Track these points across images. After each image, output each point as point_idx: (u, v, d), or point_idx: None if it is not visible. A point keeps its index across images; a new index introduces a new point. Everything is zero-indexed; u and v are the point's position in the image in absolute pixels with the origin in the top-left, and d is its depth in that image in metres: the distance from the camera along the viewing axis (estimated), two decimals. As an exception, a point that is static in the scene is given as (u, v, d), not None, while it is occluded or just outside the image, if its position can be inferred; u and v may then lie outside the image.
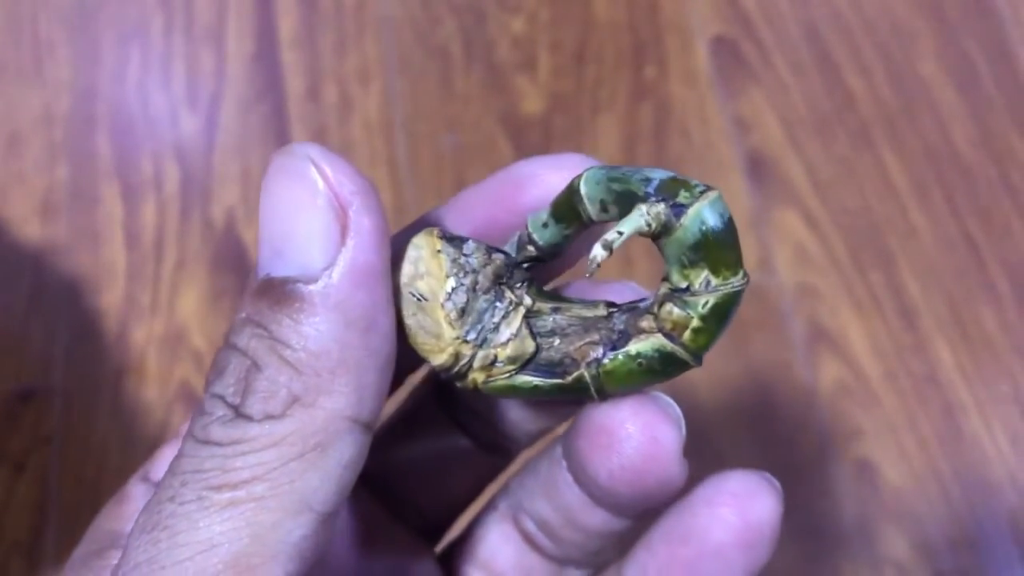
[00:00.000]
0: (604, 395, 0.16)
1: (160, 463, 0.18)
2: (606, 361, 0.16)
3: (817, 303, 0.50)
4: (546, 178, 0.16)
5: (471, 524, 0.20)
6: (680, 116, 0.55)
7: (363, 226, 0.14)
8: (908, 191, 0.53)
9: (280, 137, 0.55)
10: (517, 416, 0.18)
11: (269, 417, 0.14)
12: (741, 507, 0.16)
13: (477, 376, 0.16)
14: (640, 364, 0.16)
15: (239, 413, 0.14)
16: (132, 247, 0.53)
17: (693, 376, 0.49)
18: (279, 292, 0.14)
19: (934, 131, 0.55)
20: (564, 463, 0.18)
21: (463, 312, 0.16)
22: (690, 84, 0.56)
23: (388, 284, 0.15)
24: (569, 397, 0.16)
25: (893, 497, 0.46)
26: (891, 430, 0.48)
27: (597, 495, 0.17)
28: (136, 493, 0.18)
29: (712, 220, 0.16)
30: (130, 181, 0.54)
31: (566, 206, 0.16)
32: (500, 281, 0.16)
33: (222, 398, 0.14)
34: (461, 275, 0.16)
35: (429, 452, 0.19)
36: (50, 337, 0.51)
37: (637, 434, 0.16)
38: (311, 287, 0.14)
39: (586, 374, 0.16)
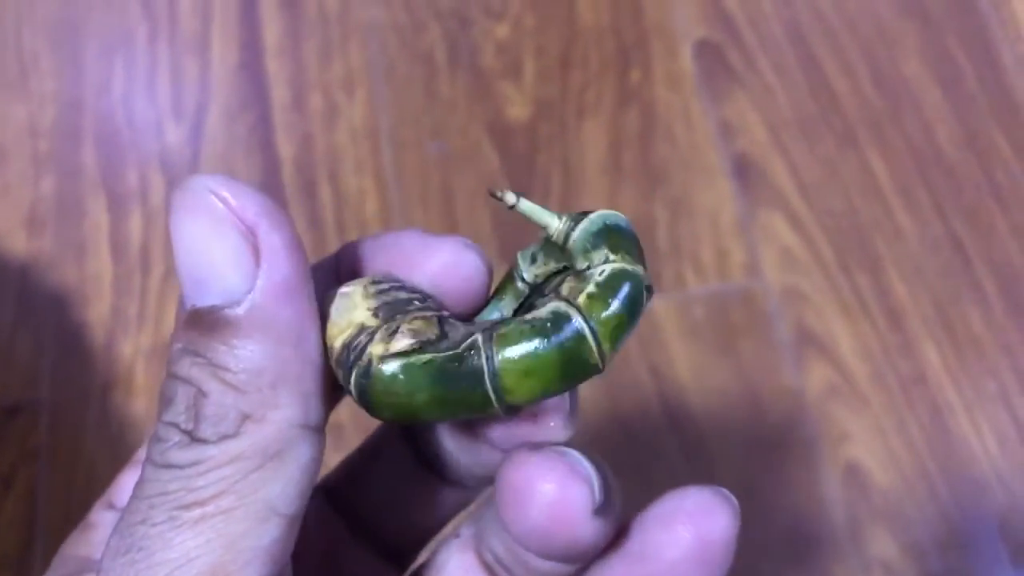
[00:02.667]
0: (505, 393, 0.15)
1: (121, 489, 0.19)
2: (501, 328, 0.16)
3: (804, 306, 0.50)
4: (428, 260, 0.16)
5: (435, 550, 0.20)
6: (665, 120, 0.55)
7: (274, 244, 0.15)
8: (893, 192, 0.53)
9: (266, 146, 0.55)
10: (451, 447, 0.18)
11: (224, 437, 0.14)
12: (696, 524, 0.16)
13: (375, 349, 0.16)
14: (533, 326, 0.15)
15: (194, 438, 0.15)
16: (118, 259, 0.53)
17: (681, 380, 0.49)
18: (207, 321, 0.15)
19: (919, 131, 0.55)
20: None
21: (379, 304, 0.16)
22: (675, 88, 0.56)
23: (310, 294, 0.15)
24: (465, 386, 0.15)
25: (882, 499, 0.46)
26: (879, 432, 0.48)
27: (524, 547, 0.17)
28: (102, 520, 0.19)
29: (615, 219, 0.17)
30: (116, 192, 0.54)
31: (555, 247, 0.17)
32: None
33: (175, 425, 0.15)
34: (387, 296, 0.16)
35: (393, 481, 0.19)
36: (37, 351, 0.50)
37: (544, 495, 0.15)
38: (236, 311, 0.15)
39: (479, 337, 0.15)
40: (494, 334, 0.15)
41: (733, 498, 0.16)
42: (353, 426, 0.46)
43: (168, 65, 0.58)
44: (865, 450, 0.47)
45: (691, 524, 0.16)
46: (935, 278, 0.51)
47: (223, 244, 0.15)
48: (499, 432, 0.17)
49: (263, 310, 0.15)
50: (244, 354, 0.15)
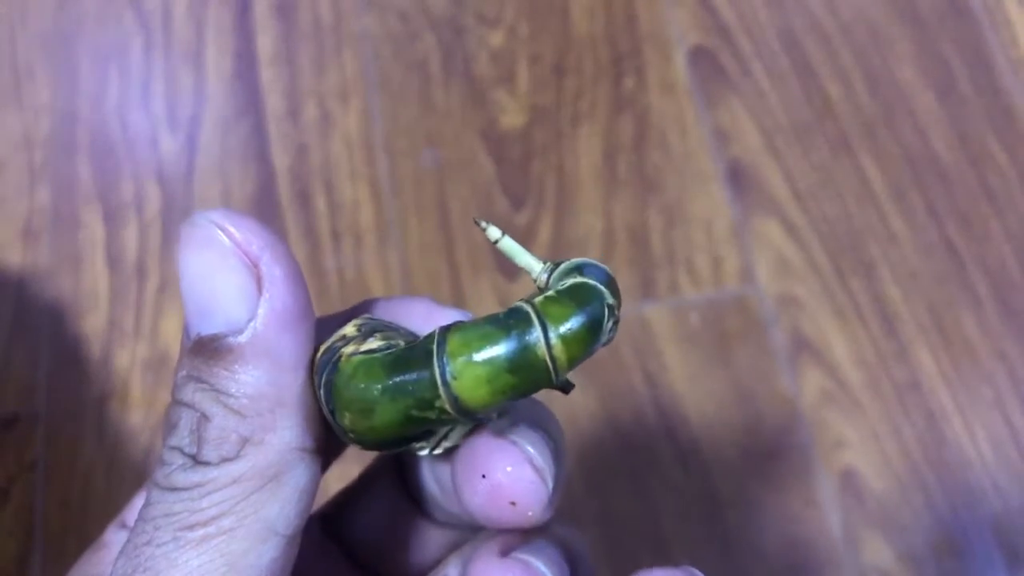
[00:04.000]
0: (452, 380, 0.15)
1: (134, 510, 0.19)
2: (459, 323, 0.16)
3: (799, 312, 0.50)
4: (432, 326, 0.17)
5: None
6: (660, 127, 0.55)
7: (276, 275, 0.16)
8: (887, 197, 0.53)
9: (260, 156, 0.55)
10: (436, 492, 0.19)
11: (225, 460, 0.15)
12: None
13: (346, 350, 0.16)
14: (487, 319, 0.15)
15: (197, 461, 0.15)
16: (114, 270, 0.53)
17: (676, 387, 0.49)
18: (211, 348, 0.15)
19: (912, 136, 0.55)
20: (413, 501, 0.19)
21: (365, 323, 0.17)
22: (669, 95, 0.56)
23: (310, 324, 0.16)
24: (417, 373, 0.15)
25: (877, 504, 0.46)
26: (874, 438, 0.48)
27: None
28: (114, 540, 0.19)
29: (594, 261, 0.17)
30: (111, 204, 0.54)
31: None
32: None
33: (179, 449, 0.15)
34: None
35: (385, 517, 0.20)
36: (33, 362, 0.50)
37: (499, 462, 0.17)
38: (239, 339, 0.15)
39: (436, 329, 0.16)
40: (451, 326, 0.16)
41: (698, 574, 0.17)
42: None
43: (163, 76, 0.58)
44: (860, 456, 0.47)
45: None
46: (929, 283, 0.51)
47: (227, 275, 0.15)
48: (477, 503, 0.17)
49: (264, 338, 0.15)
50: (245, 379, 0.15)
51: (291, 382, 0.16)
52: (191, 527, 0.15)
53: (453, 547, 0.20)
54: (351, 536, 0.20)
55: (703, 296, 0.51)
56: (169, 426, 0.16)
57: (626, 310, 0.51)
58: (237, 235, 0.16)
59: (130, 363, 0.50)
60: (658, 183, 0.54)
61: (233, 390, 0.15)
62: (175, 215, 0.54)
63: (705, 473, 0.47)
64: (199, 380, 0.15)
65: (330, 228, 0.53)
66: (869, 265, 0.51)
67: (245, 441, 0.15)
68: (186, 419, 0.15)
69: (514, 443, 0.16)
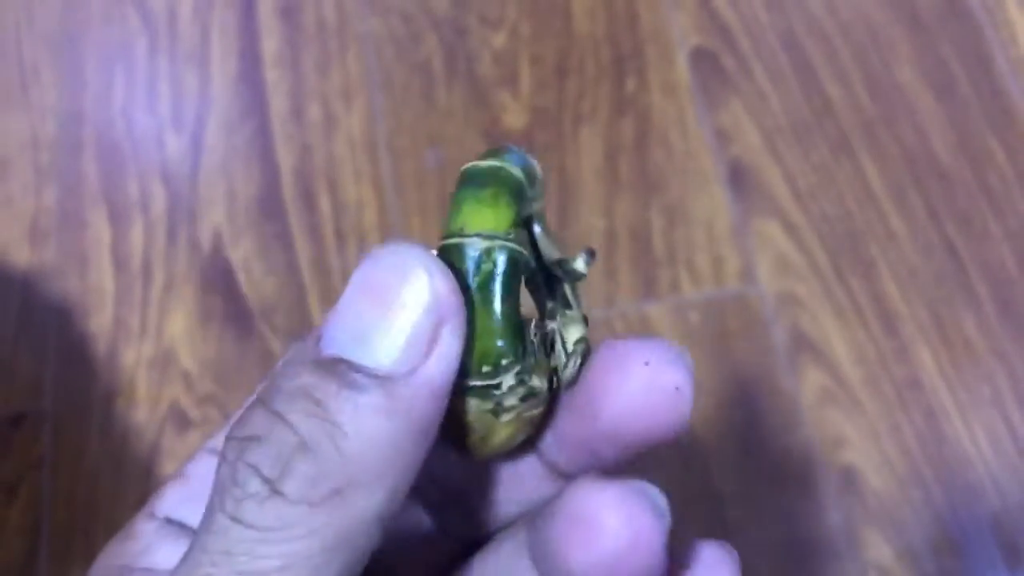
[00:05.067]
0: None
1: (164, 501, 0.18)
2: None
3: (799, 311, 0.51)
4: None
5: None
6: (661, 127, 0.56)
7: (451, 346, 0.14)
8: (887, 197, 0.53)
9: (265, 156, 0.56)
10: (491, 490, 0.18)
11: (306, 502, 0.14)
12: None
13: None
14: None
15: (274, 490, 0.14)
16: (120, 270, 0.53)
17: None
18: (351, 378, 0.14)
19: (912, 136, 0.55)
20: (527, 552, 0.17)
21: None
22: (671, 95, 0.57)
23: (443, 408, 0.15)
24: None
25: (877, 502, 0.47)
26: (874, 436, 0.48)
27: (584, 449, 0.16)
28: (143, 531, 0.18)
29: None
30: (117, 204, 0.55)
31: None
32: None
33: (257, 470, 0.14)
34: None
35: (394, 532, 0.19)
36: (40, 361, 0.51)
37: (618, 528, 0.15)
38: (389, 386, 0.14)
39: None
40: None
41: (735, 554, 0.16)
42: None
43: (168, 76, 0.58)
44: (860, 454, 0.48)
45: None
46: (929, 283, 0.51)
47: (409, 319, 0.14)
48: (632, 398, 0.15)
49: (412, 398, 0.14)
50: (371, 426, 0.14)
51: (408, 451, 0.14)
52: (249, 573, 0.14)
53: (456, 558, 0.19)
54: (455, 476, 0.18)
55: (704, 295, 0.51)
56: (250, 434, 0.14)
57: (628, 310, 0.51)
58: (441, 290, 0.14)
59: (136, 361, 0.51)
60: (659, 183, 0.54)
61: (352, 431, 0.14)
62: (180, 215, 0.54)
63: (705, 470, 0.47)
64: (317, 403, 0.14)
65: (334, 228, 0.54)
66: (869, 264, 0.52)
67: (336, 492, 0.14)
68: (280, 437, 0.14)
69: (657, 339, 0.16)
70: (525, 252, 0.15)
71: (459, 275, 0.15)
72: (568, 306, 0.17)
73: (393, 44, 0.59)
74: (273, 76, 0.58)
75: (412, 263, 0.14)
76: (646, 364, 0.15)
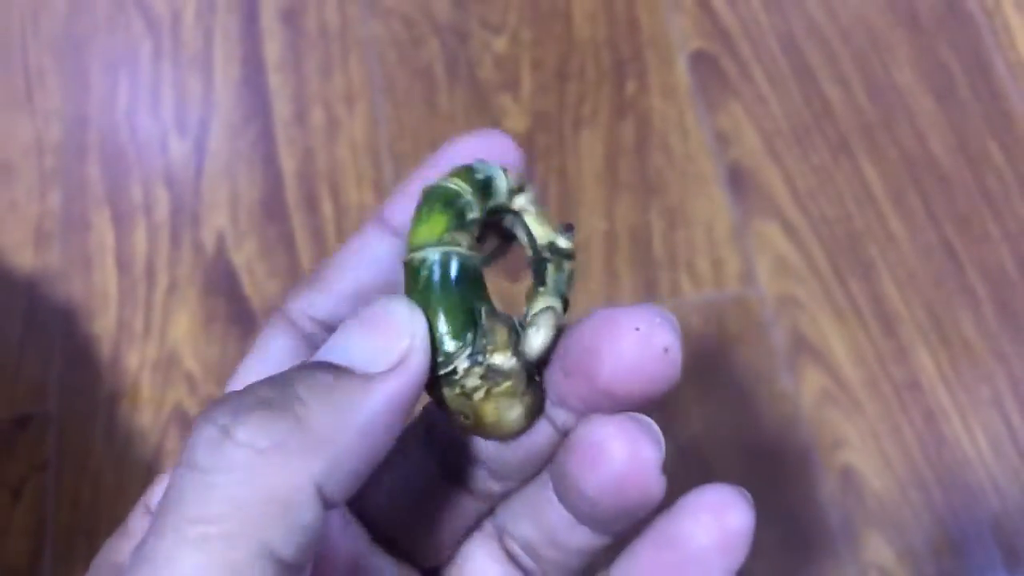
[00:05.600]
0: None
1: (158, 491, 0.19)
2: None
3: (798, 313, 0.51)
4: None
5: (458, 546, 0.20)
6: (661, 131, 0.56)
7: (416, 365, 0.17)
8: (887, 199, 0.54)
9: (268, 160, 0.56)
10: (483, 448, 0.19)
11: (249, 446, 0.15)
12: (720, 516, 0.18)
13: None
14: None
15: (227, 434, 0.15)
16: (124, 273, 0.53)
17: (678, 387, 0.49)
18: (328, 369, 0.16)
19: (911, 139, 0.55)
20: (550, 484, 0.19)
21: None
22: (670, 99, 0.57)
23: (406, 412, 0.17)
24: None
25: (877, 504, 0.47)
26: (874, 437, 0.48)
27: (582, 511, 0.18)
28: (138, 527, 0.19)
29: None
30: (121, 207, 0.55)
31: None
32: None
33: (215, 420, 0.15)
34: None
35: (412, 490, 0.20)
36: (45, 363, 0.51)
37: (622, 451, 0.17)
38: (354, 379, 0.16)
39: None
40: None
41: (749, 495, 0.18)
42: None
43: (171, 81, 0.59)
44: (860, 455, 0.48)
45: (717, 515, 0.18)
46: (928, 285, 0.52)
47: (386, 336, 0.16)
48: (623, 359, 0.17)
49: (371, 395, 0.16)
50: (326, 402, 0.15)
51: (359, 434, 0.16)
52: (193, 521, 0.14)
53: (480, 517, 0.20)
54: (373, 507, 0.20)
55: (704, 297, 0.52)
56: (217, 403, 0.16)
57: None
58: (417, 320, 0.17)
59: (139, 364, 0.51)
60: (659, 186, 0.54)
61: (309, 402, 0.15)
62: (183, 218, 0.55)
63: (706, 472, 0.47)
64: (286, 381, 0.16)
65: (336, 231, 0.54)
66: (868, 266, 0.52)
67: (278, 445, 0.15)
68: (241, 399, 0.15)
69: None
70: (459, 250, 0.17)
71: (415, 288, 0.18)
72: (544, 284, 0.18)
73: (395, 48, 0.59)
74: (276, 80, 0.58)
75: (398, 304, 0.17)
76: (637, 329, 0.17)
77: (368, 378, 0.16)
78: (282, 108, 0.58)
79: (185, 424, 0.50)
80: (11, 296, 0.53)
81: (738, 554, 0.18)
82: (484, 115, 0.57)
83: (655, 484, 0.17)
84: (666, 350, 0.17)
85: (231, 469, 0.15)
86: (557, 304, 0.18)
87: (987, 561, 0.46)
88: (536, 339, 0.18)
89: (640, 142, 0.56)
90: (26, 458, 0.49)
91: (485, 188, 0.18)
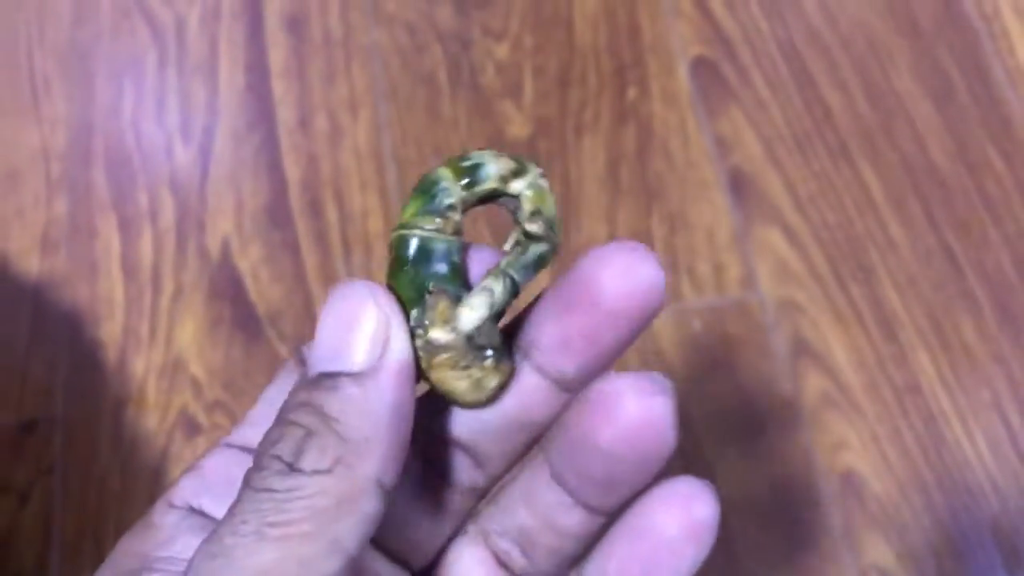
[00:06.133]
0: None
1: (183, 490, 0.21)
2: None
3: (799, 317, 0.51)
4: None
5: (441, 550, 0.21)
6: (662, 136, 0.56)
7: (400, 340, 0.18)
8: (886, 204, 0.54)
9: (272, 166, 0.57)
10: (476, 429, 0.20)
11: (317, 472, 0.17)
12: (688, 507, 0.19)
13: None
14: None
15: (293, 468, 0.17)
16: (130, 278, 0.54)
17: (679, 391, 0.50)
18: (333, 382, 0.18)
19: (911, 144, 0.56)
20: (546, 469, 0.20)
21: None
22: (671, 105, 0.57)
23: (413, 386, 0.19)
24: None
25: (878, 506, 0.47)
26: (874, 440, 0.48)
27: (589, 475, 0.19)
28: (166, 521, 0.20)
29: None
30: (127, 213, 0.56)
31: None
32: None
33: (279, 457, 0.18)
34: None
35: (399, 490, 0.21)
36: (51, 369, 0.52)
37: (637, 405, 0.18)
38: (360, 380, 0.18)
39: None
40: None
41: (714, 488, 0.19)
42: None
43: (176, 88, 0.59)
44: (860, 458, 0.48)
45: (685, 507, 0.19)
46: (928, 289, 0.52)
47: (367, 330, 0.18)
48: (615, 294, 0.18)
49: (378, 383, 0.18)
50: (354, 411, 0.18)
51: (388, 424, 0.18)
52: (274, 525, 0.17)
53: (465, 514, 0.21)
54: (506, 535, 0.21)
55: (705, 302, 0.52)
56: (270, 441, 0.18)
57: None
58: (382, 303, 0.18)
59: (145, 369, 0.52)
60: (661, 191, 0.55)
61: (343, 418, 0.18)
62: (189, 224, 0.55)
63: (708, 474, 0.48)
64: (313, 406, 0.18)
65: (340, 237, 0.54)
66: (869, 271, 0.52)
67: (338, 461, 0.17)
68: (292, 434, 0.18)
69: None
70: (419, 232, 0.19)
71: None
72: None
73: (398, 55, 0.60)
74: (280, 87, 0.59)
75: (359, 291, 0.18)
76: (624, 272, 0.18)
77: (369, 374, 0.18)
78: (286, 115, 0.58)
79: (191, 428, 0.50)
80: (18, 302, 0.53)
81: (705, 543, 0.19)
82: (486, 121, 0.57)
83: (669, 435, 0.18)
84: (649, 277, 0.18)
85: (303, 488, 0.17)
86: (497, 285, 0.19)
87: (987, 563, 0.46)
88: (467, 316, 0.19)
89: (641, 148, 0.56)
90: (33, 462, 0.49)
91: (470, 174, 0.20)
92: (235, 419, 0.50)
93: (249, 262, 0.54)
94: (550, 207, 0.20)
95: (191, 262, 0.54)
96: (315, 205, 0.55)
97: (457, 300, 0.19)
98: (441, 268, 0.19)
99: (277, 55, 0.60)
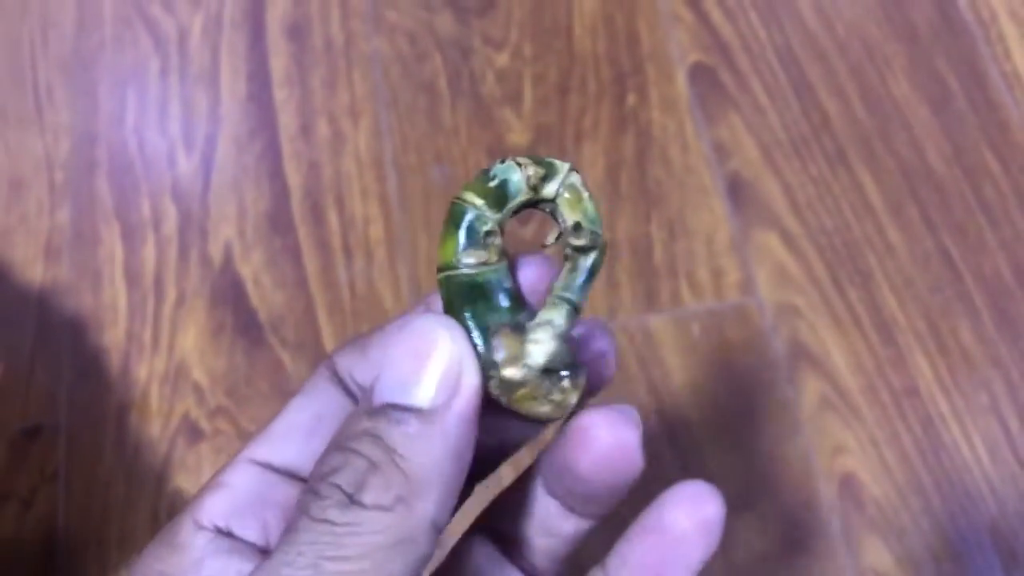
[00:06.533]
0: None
1: (209, 510, 0.21)
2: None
3: (798, 321, 0.52)
4: None
5: (452, 552, 0.22)
6: (661, 143, 0.57)
7: (472, 384, 0.19)
8: (884, 209, 0.54)
9: (274, 174, 0.57)
10: (537, 531, 0.22)
11: (379, 507, 0.17)
12: (698, 505, 0.20)
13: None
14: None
15: (354, 500, 0.17)
16: (133, 286, 0.54)
17: (679, 395, 0.50)
18: (400, 415, 0.18)
19: (908, 149, 0.56)
20: (539, 482, 0.21)
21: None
22: (670, 111, 0.58)
23: (476, 429, 0.19)
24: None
25: (876, 509, 0.47)
26: (873, 444, 0.49)
27: (574, 492, 0.21)
28: (194, 542, 0.20)
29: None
30: (129, 221, 0.56)
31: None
32: None
33: (339, 487, 0.18)
34: None
35: (540, 517, 0.22)
36: (55, 375, 0.52)
37: (608, 434, 0.20)
38: (429, 418, 0.18)
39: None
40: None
41: (718, 491, 0.21)
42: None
43: (179, 97, 0.60)
44: (859, 462, 0.48)
45: (695, 505, 0.20)
46: (926, 292, 0.52)
47: (437, 367, 0.18)
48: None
49: (448, 425, 0.18)
50: (420, 449, 0.18)
51: (450, 467, 0.18)
52: (332, 559, 0.17)
53: (584, 535, 0.22)
54: (511, 536, 0.22)
55: (704, 307, 0.52)
56: (329, 468, 0.18)
57: (630, 321, 0.52)
58: (460, 342, 0.19)
59: (148, 376, 0.52)
60: (660, 197, 0.55)
61: (407, 454, 0.18)
62: (191, 232, 0.56)
63: (707, 478, 0.48)
64: (377, 438, 0.18)
65: (342, 243, 0.55)
66: (866, 275, 0.53)
67: (399, 499, 0.17)
68: (354, 464, 0.18)
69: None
70: (465, 272, 0.19)
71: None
72: (557, 284, 0.20)
73: (399, 63, 0.60)
74: (281, 95, 0.59)
75: (434, 326, 0.19)
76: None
77: (438, 413, 0.18)
78: (288, 122, 0.59)
79: (193, 434, 0.50)
80: (22, 309, 0.54)
81: (714, 537, 0.20)
82: (487, 129, 0.58)
83: (636, 459, 0.20)
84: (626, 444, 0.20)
85: (363, 524, 0.17)
86: (558, 315, 0.19)
87: (985, 565, 0.46)
88: (536, 352, 0.19)
89: (640, 154, 0.56)
90: (37, 468, 0.50)
91: (500, 191, 0.19)
92: (237, 425, 0.51)
93: (251, 269, 0.54)
94: (588, 207, 0.20)
95: (193, 269, 0.55)
96: (316, 212, 0.56)
97: (521, 330, 0.19)
98: (498, 301, 0.19)
99: (278, 63, 0.60)
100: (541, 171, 0.19)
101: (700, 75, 0.59)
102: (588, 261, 0.20)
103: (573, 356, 0.20)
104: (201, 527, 0.20)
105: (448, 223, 0.19)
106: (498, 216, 0.19)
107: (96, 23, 0.62)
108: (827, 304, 0.52)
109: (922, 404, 0.49)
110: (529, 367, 0.19)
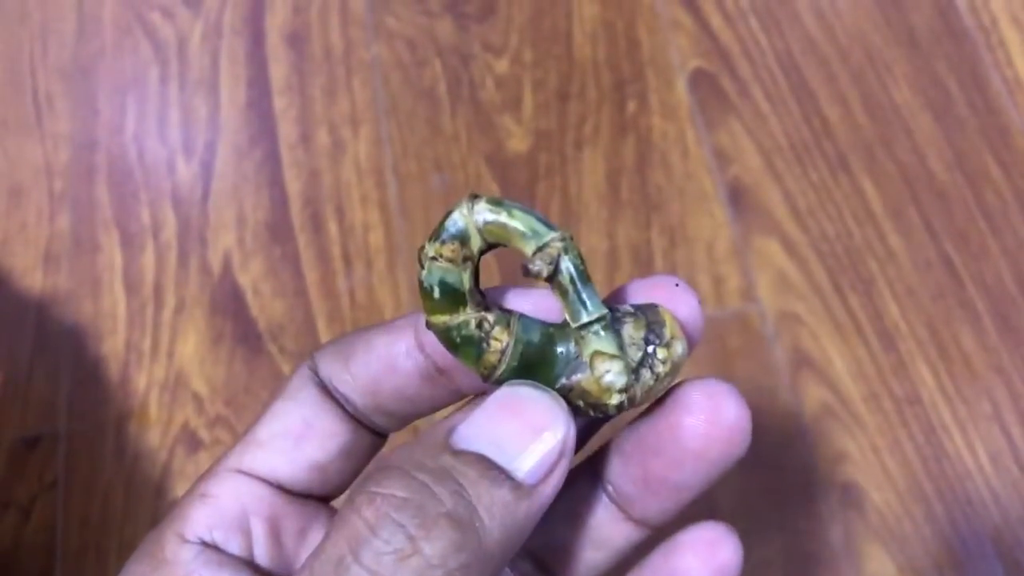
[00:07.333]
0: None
1: (194, 523, 0.19)
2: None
3: (799, 329, 0.51)
4: None
5: None
6: (662, 149, 0.57)
7: (563, 469, 0.18)
8: (886, 215, 0.54)
9: (274, 182, 0.57)
10: (576, 536, 0.21)
11: (443, 568, 0.16)
12: (714, 551, 0.20)
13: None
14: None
15: (417, 549, 0.16)
16: (132, 294, 0.54)
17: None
18: (494, 475, 0.17)
19: (910, 156, 0.56)
20: (602, 486, 0.21)
21: None
22: (671, 118, 0.58)
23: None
24: None
25: (878, 518, 0.47)
26: (875, 452, 0.49)
27: (654, 482, 0.20)
28: (180, 557, 0.19)
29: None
30: (129, 229, 0.56)
31: None
32: None
33: (404, 527, 0.16)
34: None
35: (578, 514, 0.22)
36: (54, 384, 0.52)
37: (735, 405, 0.19)
38: (523, 492, 0.17)
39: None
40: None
41: (735, 532, 0.20)
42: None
43: (178, 104, 0.60)
44: (861, 470, 0.48)
45: (711, 550, 0.20)
46: (928, 300, 0.52)
47: (546, 448, 0.18)
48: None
49: (531, 504, 0.17)
50: (504, 521, 0.17)
51: (518, 543, 0.17)
52: None
53: (632, 547, 0.21)
54: (552, 549, 0.21)
55: (705, 314, 0.52)
56: (392, 492, 0.17)
57: (630, 328, 0.52)
58: (571, 431, 0.18)
59: (147, 384, 0.52)
60: (660, 204, 0.55)
61: (487, 520, 0.17)
62: (191, 240, 0.55)
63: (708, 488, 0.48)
64: (461, 487, 0.17)
65: (341, 251, 0.55)
66: (868, 282, 0.53)
67: (465, 568, 0.16)
68: (428, 505, 0.16)
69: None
70: (454, 328, 0.19)
71: None
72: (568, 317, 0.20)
73: (399, 71, 0.60)
74: (281, 103, 0.59)
75: (551, 405, 0.18)
76: (676, 284, 0.20)
77: (529, 492, 0.17)
78: (287, 130, 0.58)
79: (192, 443, 0.50)
80: (21, 317, 0.54)
81: None
82: (487, 135, 0.58)
83: (747, 437, 0.20)
84: (676, 284, 0.20)
85: None
86: (596, 342, 0.19)
87: (988, 574, 0.46)
88: (614, 380, 0.19)
89: (641, 160, 0.56)
90: (36, 477, 0.50)
91: (462, 242, 0.19)
92: (237, 435, 0.50)
93: (250, 277, 0.54)
94: (518, 226, 0.19)
95: (193, 277, 0.54)
96: (316, 220, 0.56)
97: (581, 369, 0.19)
98: (557, 355, 0.19)
99: (278, 71, 0.60)
100: (468, 204, 0.19)
101: (700, 81, 0.59)
102: (565, 275, 0.18)
103: (645, 325, 0.19)
104: (186, 540, 0.19)
105: (431, 297, 0.19)
106: (468, 263, 0.19)
107: (96, 30, 0.62)
108: (828, 311, 0.52)
109: (924, 412, 0.49)
110: (625, 393, 0.19)
